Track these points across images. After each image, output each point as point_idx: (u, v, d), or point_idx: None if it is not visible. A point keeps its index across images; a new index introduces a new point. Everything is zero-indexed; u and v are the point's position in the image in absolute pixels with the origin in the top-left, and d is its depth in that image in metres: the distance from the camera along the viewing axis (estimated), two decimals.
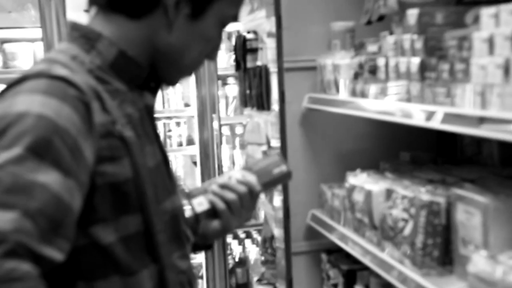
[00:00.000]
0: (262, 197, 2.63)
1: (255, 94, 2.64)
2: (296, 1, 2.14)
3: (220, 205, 1.26)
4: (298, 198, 2.20)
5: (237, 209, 1.27)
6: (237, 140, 4.34)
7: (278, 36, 2.15)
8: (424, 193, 1.44)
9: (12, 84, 0.94)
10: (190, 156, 4.47)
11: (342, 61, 1.87)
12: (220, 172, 3.96)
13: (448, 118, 1.23)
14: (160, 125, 4.14)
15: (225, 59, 4.20)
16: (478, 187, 1.37)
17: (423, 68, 1.38)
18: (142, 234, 1.01)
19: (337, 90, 1.90)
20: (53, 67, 0.95)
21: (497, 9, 1.15)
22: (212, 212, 1.28)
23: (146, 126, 1.07)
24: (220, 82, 4.15)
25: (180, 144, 4.28)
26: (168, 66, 1.09)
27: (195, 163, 4.23)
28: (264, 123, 2.73)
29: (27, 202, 0.82)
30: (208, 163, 3.98)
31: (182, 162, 4.72)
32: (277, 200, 2.31)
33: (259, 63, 2.74)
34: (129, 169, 0.98)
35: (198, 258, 4.02)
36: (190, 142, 4.27)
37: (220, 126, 4.00)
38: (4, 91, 0.94)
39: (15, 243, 0.79)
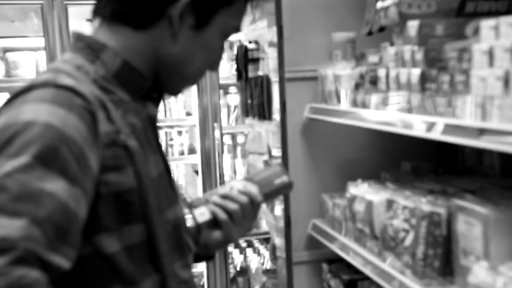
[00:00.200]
0: (264, 206, 2.63)
1: (257, 104, 2.65)
2: (297, 12, 2.15)
3: (222, 215, 1.26)
4: (299, 208, 2.21)
5: (239, 220, 1.27)
6: (239, 149, 4.34)
7: (280, 46, 2.16)
8: (425, 204, 1.44)
9: (19, 93, 0.94)
10: (191, 165, 4.47)
11: (343, 71, 1.88)
12: (222, 181, 3.96)
13: (449, 129, 1.23)
14: (161, 134, 4.14)
15: (227, 68, 4.21)
16: (478, 198, 1.37)
17: (424, 79, 1.39)
18: (145, 244, 1.01)
19: (338, 100, 1.91)
20: (59, 76, 0.96)
21: (497, 21, 1.16)
22: (214, 223, 1.28)
23: (149, 136, 1.08)
24: (221, 91, 4.16)
25: (182, 153, 4.29)
26: (171, 76, 1.10)
27: (196, 172, 4.24)
28: (265, 132, 2.74)
29: (35, 210, 0.82)
30: (210, 172, 3.98)
31: (184, 171, 4.72)
32: (278, 209, 2.32)
33: (260, 73, 2.75)
34: (133, 178, 0.99)
35: (200, 267, 4.02)
36: (191, 151, 4.28)
37: (222, 135, 4.01)
38: (11, 99, 0.95)
39: (24, 251, 0.80)
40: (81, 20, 3.55)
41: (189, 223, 1.25)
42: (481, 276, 1.20)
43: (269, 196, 1.36)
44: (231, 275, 4.03)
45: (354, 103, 1.76)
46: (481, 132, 1.12)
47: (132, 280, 0.99)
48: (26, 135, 0.87)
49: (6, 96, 0.97)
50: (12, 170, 0.84)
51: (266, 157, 2.71)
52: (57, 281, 0.86)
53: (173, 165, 4.24)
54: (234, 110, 4.31)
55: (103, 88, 1.01)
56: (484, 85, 1.14)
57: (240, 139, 4.35)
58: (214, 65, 1.15)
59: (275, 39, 2.19)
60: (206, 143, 3.97)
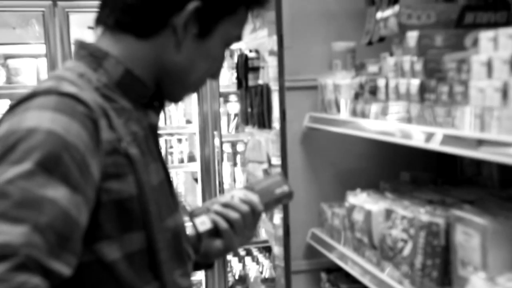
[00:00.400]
0: (263, 215, 2.62)
1: (256, 112, 2.66)
2: (298, 21, 2.16)
3: (223, 224, 1.26)
4: (298, 217, 2.21)
5: (240, 229, 1.27)
6: (238, 157, 4.35)
7: (280, 55, 2.17)
8: (423, 214, 1.44)
9: (22, 100, 0.95)
10: (191, 173, 4.47)
11: (343, 81, 1.89)
12: (221, 189, 3.96)
13: (447, 139, 1.24)
14: (161, 142, 4.14)
15: (227, 76, 4.23)
16: (477, 209, 1.38)
17: (423, 89, 1.39)
18: (145, 251, 1.01)
19: (338, 109, 1.91)
20: (62, 84, 0.97)
21: (495, 33, 1.17)
22: (215, 231, 1.27)
23: (150, 144, 1.08)
24: (222, 99, 4.17)
25: (182, 161, 4.29)
26: (174, 83, 1.11)
27: (196, 179, 4.24)
28: (265, 141, 2.75)
29: (37, 217, 0.83)
30: (209, 180, 3.98)
31: (183, 178, 4.73)
32: (277, 218, 2.32)
33: (260, 81, 2.76)
34: (134, 186, 0.99)
35: (198, 276, 4.01)
36: (191, 158, 4.28)
37: (222, 143, 4.02)
38: (14, 106, 0.95)
39: (25, 257, 0.80)
40: (83, 28, 3.57)
41: (190, 231, 1.25)
42: (479, 287, 1.20)
43: (270, 205, 1.36)
44: (230, 283, 4.02)
45: (354, 113, 1.77)
46: (480, 143, 1.12)
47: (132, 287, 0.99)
48: (28, 142, 0.87)
49: (7, 102, 0.97)
50: (14, 176, 0.84)
51: (265, 165, 2.71)
52: None
53: (172, 173, 4.25)
54: (234, 118, 4.32)
55: (105, 96, 1.01)
56: (482, 96, 1.15)
57: (240, 147, 4.36)
58: (215, 74, 1.16)
59: (275, 48, 2.20)
60: (205, 151, 3.97)
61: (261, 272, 3.90)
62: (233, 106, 4.33)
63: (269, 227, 2.62)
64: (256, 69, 2.79)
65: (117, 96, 1.03)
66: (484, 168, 1.84)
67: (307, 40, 2.16)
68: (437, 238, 1.40)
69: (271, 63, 2.30)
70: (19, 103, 0.95)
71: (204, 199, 4.00)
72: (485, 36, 1.20)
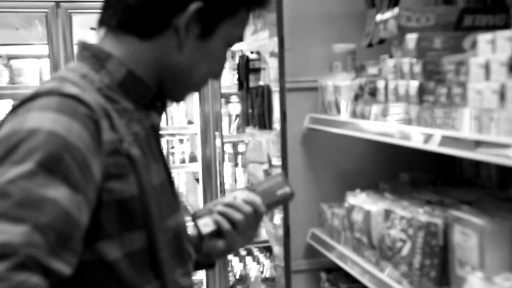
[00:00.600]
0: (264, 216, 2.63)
1: (257, 113, 2.67)
2: (298, 23, 2.17)
3: (226, 225, 1.26)
4: (298, 217, 2.22)
5: (242, 229, 1.27)
6: (240, 158, 4.36)
7: (281, 56, 2.18)
8: (422, 214, 1.46)
9: (25, 101, 0.96)
10: (192, 173, 4.48)
11: (343, 82, 1.90)
12: (222, 189, 3.97)
13: (446, 141, 1.25)
14: (163, 142, 4.16)
15: (228, 77, 4.24)
16: (475, 209, 1.39)
17: (422, 91, 1.41)
18: (146, 251, 1.02)
19: (338, 111, 1.93)
20: (64, 85, 0.98)
21: (493, 36, 1.18)
22: (217, 232, 1.27)
23: (152, 144, 1.09)
24: (223, 100, 4.18)
25: (183, 161, 4.30)
26: (176, 84, 1.12)
27: (197, 180, 4.25)
28: (265, 142, 2.76)
29: (37, 217, 0.84)
30: (211, 180, 4.00)
31: (185, 179, 4.74)
32: (277, 218, 2.33)
33: (261, 82, 2.78)
34: (135, 186, 1.00)
35: (199, 275, 4.02)
36: (192, 159, 4.29)
37: (223, 143, 4.03)
38: (16, 107, 0.96)
39: (25, 256, 0.81)
40: (85, 29, 3.59)
41: (193, 232, 1.26)
42: (476, 286, 1.21)
43: (271, 206, 1.37)
44: (231, 283, 4.03)
45: (354, 114, 1.78)
46: (477, 144, 1.14)
47: (133, 287, 1.00)
48: (30, 142, 0.88)
49: (10, 102, 0.99)
50: (16, 176, 0.85)
51: (266, 166, 2.73)
52: (58, 287, 0.87)
53: (174, 173, 4.23)
54: (236, 119, 4.33)
55: (107, 97, 1.02)
56: (480, 98, 1.16)
57: (241, 148, 4.37)
58: (217, 74, 1.17)
59: (276, 49, 2.21)
60: (207, 151, 3.99)
61: (262, 272, 3.92)
62: (235, 107, 4.34)
63: (269, 227, 2.63)
64: (257, 71, 2.80)
65: (119, 97, 1.04)
66: (483, 169, 1.85)
67: (307, 42, 2.18)
68: (435, 238, 1.42)
69: (272, 64, 2.31)
70: (21, 103, 0.96)
71: (205, 199, 4.01)
72: (483, 38, 1.21)
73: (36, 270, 0.82)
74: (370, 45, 1.90)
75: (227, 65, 4.02)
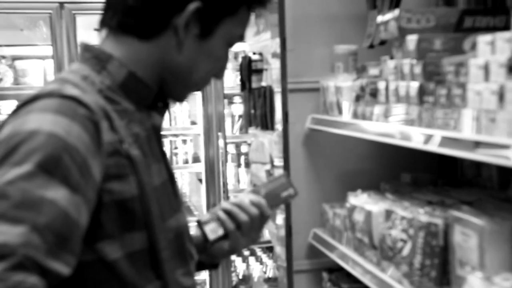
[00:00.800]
0: None
1: (260, 114, 2.68)
2: (300, 24, 2.18)
3: (230, 225, 1.26)
4: (300, 217, 2.23)
5: (247, 231, 1.27)
6: (242, 158, 4.37)
7: (283, 57, 2.19)
8: (422, 215, 1.46)
9: (25, 103, 0.97)
10: (195, 174, 4.50)
11: (344, 83, 1.91)
12: (225, 189, 3.98)
13: (445, 141, 1.26)
14: (166, 143, 4.18)
15: (231, 78, 4.25)
16: (475, 210, 1.40)
17: (422, 92, 1.41)
18: (147, 251, 1.03)
19: (340, 111, 1.93)
20: (65, 86, 0.99)
21: (493, 37, 1.19)
22: (223, 235, 1.27)
23: (153, 145, 1.09)
24: (226, 100, 4.20)
25: (186, 162, 4.31)
26: (177, 84, 1.12)
27: (200, 180, 4.26)
28: (268, 142, 2.77)
29: (36, 217, 0.84)
30: (214, 181, 4.01)
31: (188, 179, 4.75)
32: (280, 218, 2.34)
33: (263, 83, 2.78)
34: (135, 187, 1.00)
35: (202, 275, 4.03)
36: (196, 159, 4.30)
37: (226, 144, 4.04)
38: (17, 109, 0.97)
39: (23, 257, 0.81)
40: (89, 30, 3.60)
41: (194, 231, 1.26)
42: (476, 286, 1.22)
43: (275, 207, 1.38)
44: (234, 283, 4.04)
45: (355, 115, 1.79)
46: (477, 145, 1.14)
47: (134, 287, 1.01)
48: (30, 144, 0.88)
49: (14, 103, 1.00)
50: (15, 178, 0.85)
51: (268, 166, 2.74)
52: (59, 287, 0.88)
53: (177, 173, 4.26)
54: (238, 119, 4.34)
55: (108, 98, 1.03)
56: (479, 99, 1.16)
57: (244, 148, 4.38)
58: (219, 73, 1.17)
59: (278, 50, 2.22)
60: (210, 152, 4.00)
61: (265, 272, 3.93)
62: (238, 108, 4.35)
63: (272, 228, 2.64)
64: (259, 71, 2.81)
65: (120, 98, 1.05)
66: (484, 169, 1.86)
67: (309, 43, 2.18)
68: (436, 238, 1.42)
69: (274, 65, 2.32)
70: (22, 105, 0.97)
71: (208, 200, 4.02)
72: (482, 40, 1.21)
73: (34, 271, 0.82)
74: (371, 46, 1.91)
75: (230, 66, 4.03)
